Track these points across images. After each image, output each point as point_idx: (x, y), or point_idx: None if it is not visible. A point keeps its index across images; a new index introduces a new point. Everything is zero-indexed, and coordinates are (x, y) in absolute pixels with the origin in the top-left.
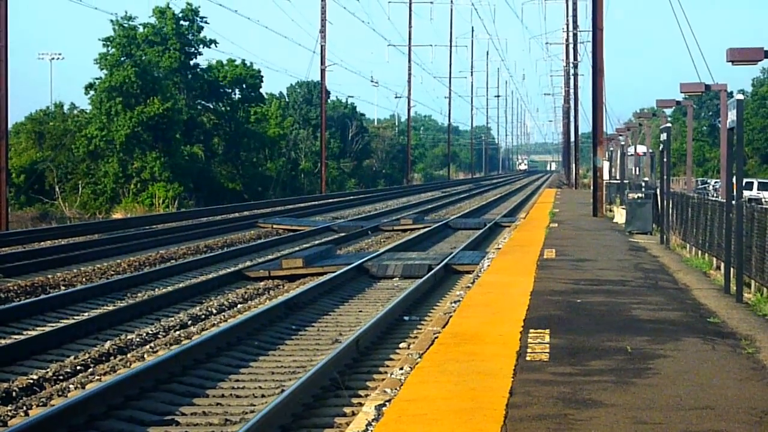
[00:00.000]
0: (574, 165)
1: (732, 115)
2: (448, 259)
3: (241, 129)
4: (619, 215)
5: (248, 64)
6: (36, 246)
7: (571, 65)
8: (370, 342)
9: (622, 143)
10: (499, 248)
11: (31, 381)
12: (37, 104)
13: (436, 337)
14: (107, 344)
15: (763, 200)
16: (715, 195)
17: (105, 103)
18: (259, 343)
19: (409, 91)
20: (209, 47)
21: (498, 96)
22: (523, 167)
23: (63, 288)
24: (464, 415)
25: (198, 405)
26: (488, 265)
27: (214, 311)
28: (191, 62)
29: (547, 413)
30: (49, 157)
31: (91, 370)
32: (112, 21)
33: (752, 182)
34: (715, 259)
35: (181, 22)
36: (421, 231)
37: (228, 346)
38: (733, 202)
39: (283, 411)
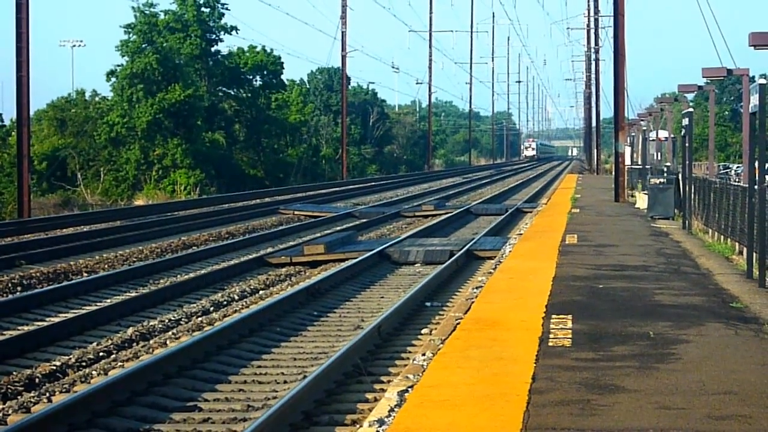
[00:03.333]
0: (595, 150)
1: (754, 100)
2: (469, 244)
3: (263, 115)
4: (641, 200)
5: (269, 51)
6: (58, 233)
7: (593, 50)
8: (392, 328)
9: (644, 128)
10: (521, 234)
11: (54, 367)
12: (59, 91)
13: (458, 323)
14: (130, 331)
15: None
16: (737, 180)
17: (126, 90)
18: (281, 330)
19: (430, 77)
20: (230, 34)
21: (519, 81)
22: (529, 153)
23: (85, 275)
24: (487, 401)
25: (220, 391)
26: (510, 251)
27: (236, 297)
28: (212, 49)
29: (570, 399)
30: (71, 144)
31: (113, 356)
32: (133, 8)
33: None
34: (737, 244)
35: (202, 8)
36: (443, 217)
37: (250, 333)
38: (756, 186)
39: (306, 397)
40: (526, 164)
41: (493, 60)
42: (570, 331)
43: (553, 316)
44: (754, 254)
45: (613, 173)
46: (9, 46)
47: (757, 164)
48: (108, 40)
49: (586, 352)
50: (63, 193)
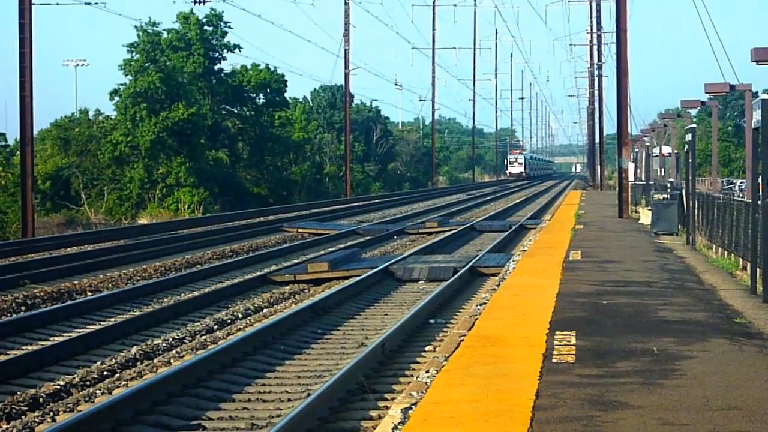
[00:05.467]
0: (599, 166)
1: (757, 115)
2: (473, 261)
3: (266, 133)
4: (645, 216)
5: (272, 69)
6: (62, 252)
7: (596, 67)
8: (396, 345)
9: (647, 144)
10: (525, 250)
11: (59, 387)
12: (63, 110)
13: (462, 340)
14: (134, 349)
15: None
16: (740, 195)
17: (130, 109)
18: (285, 347)
19: (433, 94)
20: (233, 52)
21: (522, 98)
22: (515, 169)
23: (89, 294)
24: (491, 418)
25: (225, 409)
26: (514, 268)
27: (240, 316)
28: (215, 67)
29: (574, 415)
30: (75, 164)
31: (117, 375)
32: (136, 27)
33: None
34: (741, 259)
35: (205, 27)
36: (447, 234)
37: (254, 351)
38: (759, 202)
39: (310, 415)
40: (529, 181)
41: (496, 76)
42: (574, 347)
43: (557, 332)
44: (758, 269)
45: (617, 189)
46: (12, 66)
47: (760, 179)
48: (111, 59)
49: (590, 369)
50: (67, 212)
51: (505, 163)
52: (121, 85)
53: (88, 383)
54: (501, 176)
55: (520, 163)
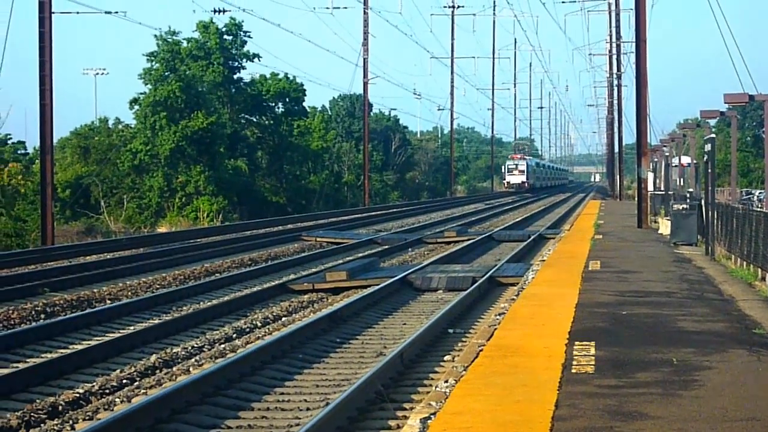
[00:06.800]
0: (618, 176)
1: None
2: (492, 271)
3: (285, 142)
4: (664, 226)
5: (291, 78)
6: (81, 260)
7: (615, 76)
8: (414, 355)
9: (667, 154)
10: (544, 260)
11: (78, 395)
12: (82, 119)
13: (481, 350)
14: (153, 358)
15: None
16: (759, 206)
17: (149, 118)
18: (303, 356)
19: (452, 103)
20: (252, 61)
21: (541, 107)
22: (515, 179)
23: (108, 302)
24: (510, 428)
25: (243, 418)
26: (533, 277)
27: (259, 324)
28: (235, 76)
29: (593, 426)
30: (95, 172)
31: (137, 383)
32: (156, 36)
33: None
34: (760, 269)
35: (225, 36)
36: (465, 243)
37: (272, 359)
38: None
39: (328, 424)
40: (548, 191)
41: (515, 86)
42: (593, 357)
43: (576, 342)
44: None
45: (636, 199)
46: (33, 75)
47: None
48: (131, 68)
49: (610, 379)
50: (86, 220)
51: (502, 170)
52: (141, 93)
53: (107, 391)
54: (496, 188)
55: (521, 171)
